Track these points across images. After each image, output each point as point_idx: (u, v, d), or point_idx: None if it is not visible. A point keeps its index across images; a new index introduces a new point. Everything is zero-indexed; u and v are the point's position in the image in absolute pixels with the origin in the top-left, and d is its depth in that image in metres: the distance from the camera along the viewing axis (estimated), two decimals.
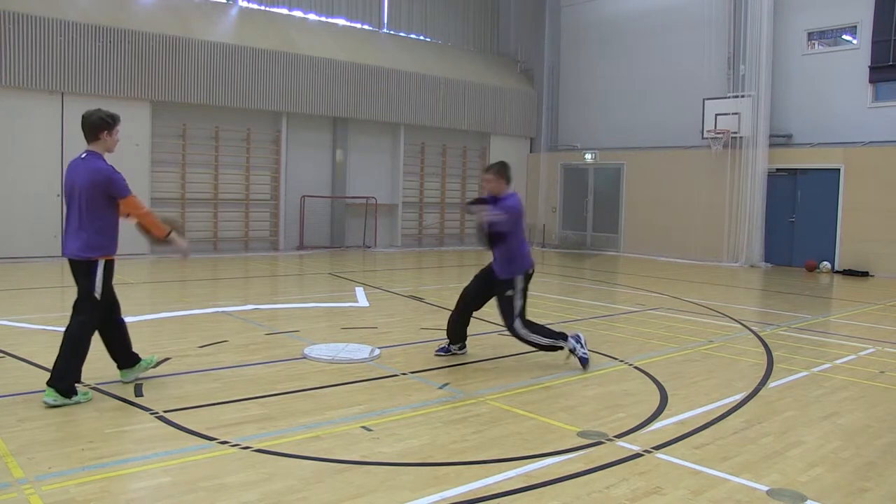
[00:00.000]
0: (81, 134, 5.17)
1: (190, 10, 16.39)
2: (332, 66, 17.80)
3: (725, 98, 17.19)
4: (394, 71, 18.97)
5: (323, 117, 18.18)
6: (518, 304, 6.25)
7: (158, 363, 5.82)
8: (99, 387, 5.32)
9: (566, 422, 4.88)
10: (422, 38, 21.09)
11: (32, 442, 4.19)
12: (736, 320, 9.23)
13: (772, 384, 6.04)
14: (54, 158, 13.96)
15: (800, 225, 16.52)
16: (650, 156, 19.24)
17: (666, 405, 5.34)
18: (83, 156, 5.16)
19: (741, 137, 16.91)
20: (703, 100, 17.42)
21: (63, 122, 13.98)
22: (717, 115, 17.11)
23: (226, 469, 3.90)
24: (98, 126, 5.14)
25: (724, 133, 16.99)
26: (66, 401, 4.88)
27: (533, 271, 6.41)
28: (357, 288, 11.36)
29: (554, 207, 21.43)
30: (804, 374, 6.52)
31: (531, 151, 22.25)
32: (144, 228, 5.34)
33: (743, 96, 16.78)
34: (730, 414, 5.18)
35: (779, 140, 16.84)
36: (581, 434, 4.61)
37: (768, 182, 16.78)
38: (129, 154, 14.38)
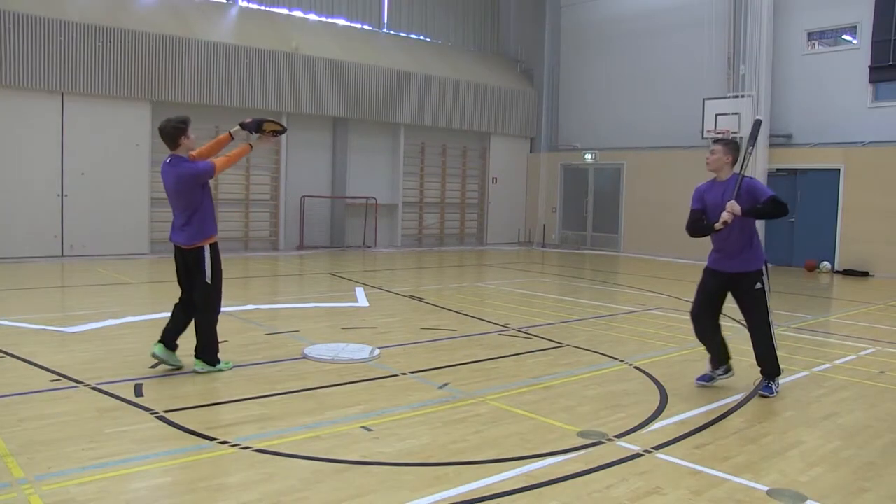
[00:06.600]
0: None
1: (190, 10, 16.41)
2: (332, 66, 17.81)
3: (725, 98, 17.16)
4: (394, 71, 18.97)
5: (323, 117, 18.19)
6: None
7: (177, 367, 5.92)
8: (99, 387, 5.32)
9: (566, 422, 4.88)
10: (422, 38, 21.10)
11: (32, 442, 4.18)
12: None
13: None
14: (54, 158, 13.95)
15: (800, 225, 16.50)
16: (650, 156, 19.23)
17: (666, 405, 5.33)
18: (168, 160, 5.56)
19: (741, 137, 16.88)
20: (703, 100, 17.37)
21: (63, 123, 13.87)
22: (717, 115, 17.07)
23: (225, 469, 3.90)
24: (174, 133, 5.51)
25: (724, 133, 16.97)
26: (211, 368, 5.78)
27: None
28: (357, 288, 11.36)
29: (554, 208, 21.42)
30: (804, 374, 6.52)
31: (531, 151, 22.25)
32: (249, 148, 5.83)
33: (743, 96, 16.76)
34: (730, 414, 5.18)
35: (779, 140, 16.84)
36: (581, 434, 4.61)
37: (769, 182, 16.73)
38: (129, 154, 14.41)
